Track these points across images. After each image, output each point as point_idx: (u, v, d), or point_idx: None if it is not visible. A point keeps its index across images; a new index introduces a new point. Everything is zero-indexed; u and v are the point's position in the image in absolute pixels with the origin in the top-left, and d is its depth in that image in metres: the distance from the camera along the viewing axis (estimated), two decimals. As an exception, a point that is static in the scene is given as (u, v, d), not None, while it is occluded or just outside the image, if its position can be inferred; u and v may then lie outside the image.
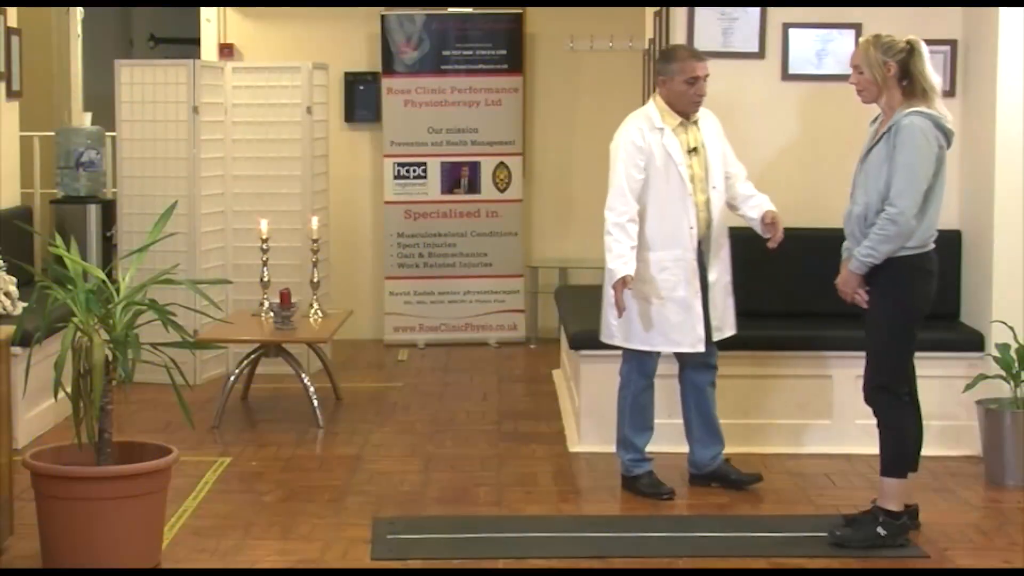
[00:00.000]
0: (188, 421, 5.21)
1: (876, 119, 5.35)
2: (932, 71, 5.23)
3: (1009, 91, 6.52)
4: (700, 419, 6.04)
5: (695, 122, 5.89)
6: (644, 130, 5.86)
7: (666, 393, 6.17)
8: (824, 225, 6.42)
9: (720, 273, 5.93)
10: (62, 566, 4.86)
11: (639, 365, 5.98)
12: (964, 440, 6.55)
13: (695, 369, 6.02)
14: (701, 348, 5.88)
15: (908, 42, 5.25)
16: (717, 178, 5.89)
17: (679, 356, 6.02)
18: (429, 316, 9.87)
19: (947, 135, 5.19)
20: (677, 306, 5.86)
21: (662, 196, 5.84)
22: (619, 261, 5.71)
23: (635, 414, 6.00)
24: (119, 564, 4.84)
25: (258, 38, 10.16)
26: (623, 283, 5.70)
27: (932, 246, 5.25)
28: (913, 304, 5.24)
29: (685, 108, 5.85)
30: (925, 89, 5.19)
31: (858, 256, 5.19)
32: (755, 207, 5.93)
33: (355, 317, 8.62)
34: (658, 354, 5.96)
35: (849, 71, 5.38)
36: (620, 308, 5.73)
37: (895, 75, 5.22)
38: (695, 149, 5.87)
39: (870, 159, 5.26)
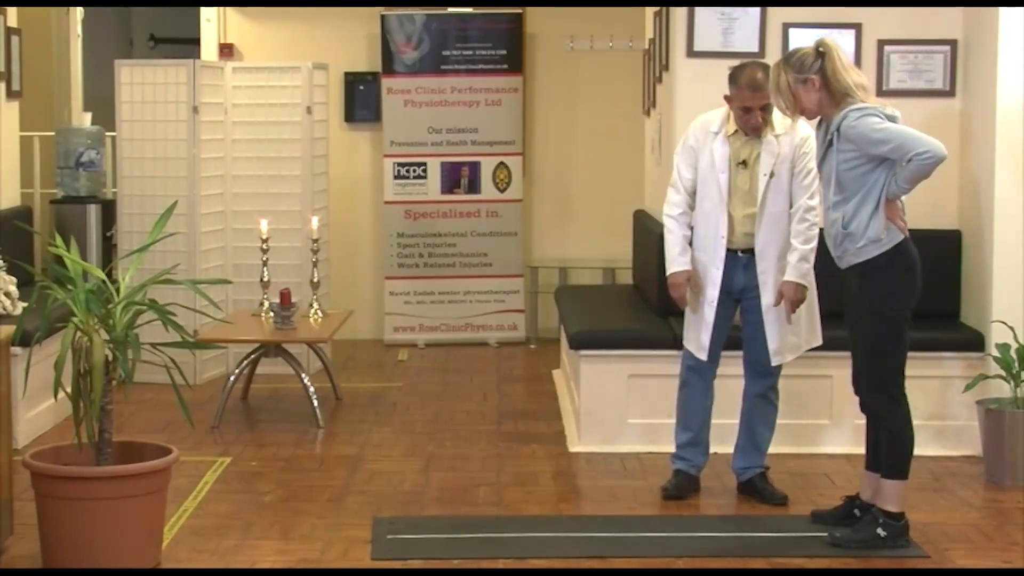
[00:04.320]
0: (188, 421, 5.21)
1: (821, 123, 5.30)
2: (850, 68, 5.17)
3: (1009, 91, 6.52)
4: (744, 427, 6.02)
5: (760, 135, 5.80)
6: (701, 130, 5.90)
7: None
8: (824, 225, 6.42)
9: (772, 298, 5.80)
10: (62, 566, 4.86)
11: (684, 358, 6.00)
12: (964, 440, 6.56)
13: (751, 376, 5.97)
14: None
15: (818, 49, 5.18)
16: (765, 197, 5.75)
17: (744, 359, 5.98)
18: (429, 316, 9.88)
19: (892, 120, 5.13)
20: (693, 309, 5.89)
21: (704, 199, 5.85)
22: (673, 256, 5.87)
23: (679, 409, 6.04)
24: (119, 564, 4.84)
25: (258, 38, 10.16)
26: (675, 281, 5.86)
27: (900, 238, 5.17)
28: (900, 301, 5.21)
29: (742, 128, 5.80)
30: (844, 91, 5.13)
31: (897, 185, 5.10)
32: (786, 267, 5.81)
33: (355, 317, 8.63)
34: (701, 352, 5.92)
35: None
36: (681, 305, 5.93)
37: (820, 87, 5.17)
38: (744, 162, 5.81)
39: (826, 169, 5.25)
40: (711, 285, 5.83)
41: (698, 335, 5.87)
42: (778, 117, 5.73)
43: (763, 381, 5.95)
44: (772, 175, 5.75)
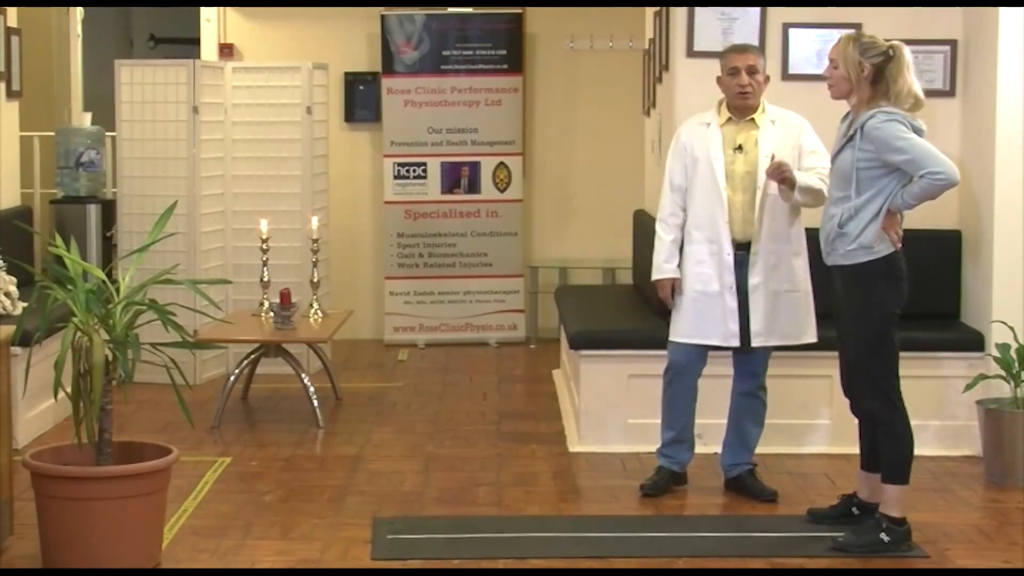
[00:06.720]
0: (188, 421, 5.21)
1: (847, 116, 5.33)
2: (913, 81, 5.16)
3: (1009, 91, 6.52)
4: (733, 424, 6.03)
5: (751, 119, 5.85)
6: (692, 126, 5.97)
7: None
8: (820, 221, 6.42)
9: (766, 278, 5.82)
10: (62, 566, 4.86)
11: (671, 356, 5.98)
12: (964, 440, 6.56)
13: (739, 375, 6.00)
14: (734, 343, 5.86)
15: (891, 47, 5.19)
16: (767, 181, 5.77)
17: (733, 358, 6.00)
18: (429, 316, 9.88)
19: (918, 132, 5.15)
20: (710, 300, 5.86)
21: (700, 190, 5.87)
22: (658, 263, 5.95)
23: (663, 408, 6.03)
24: (119, 564, 4.84)
25: (258, 38, 10.16)
26: (661, 285, 5.94)
27: (891, 250, 5.18)
28: (885, 308, 5.22)
29: (732, 101, 5.85)
30: (893, 96, 5.13)
31: (903, 199, 5.11)
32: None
33: (355, 317, 8.63)
34: (694, 350, 5.91)
35: None
36: (667, 305, 5.97)
37: (868, 76, 5.19)
38: (740, 147, 5.85)
39: (840, 163, 5.25)
40: (727, 271, 5.83)
41: (724, 323, 5.83)
42: (772, 105, 5.87)
43: (752, 380, 5.97)
44: (773, 157, 5.77)
